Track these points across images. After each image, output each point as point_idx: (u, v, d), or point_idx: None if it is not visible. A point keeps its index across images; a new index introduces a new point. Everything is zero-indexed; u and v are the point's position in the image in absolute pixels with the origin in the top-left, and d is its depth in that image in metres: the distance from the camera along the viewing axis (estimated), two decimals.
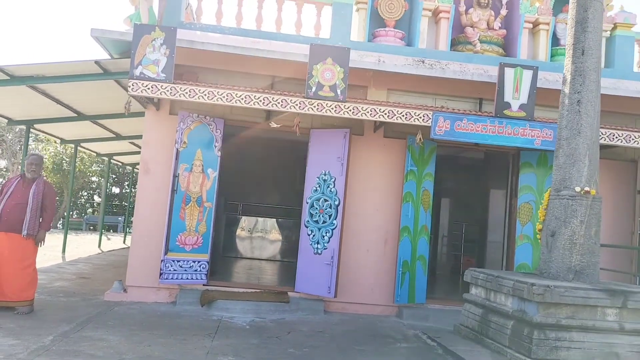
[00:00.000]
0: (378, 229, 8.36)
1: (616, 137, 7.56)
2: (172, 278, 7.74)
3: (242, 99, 7.19)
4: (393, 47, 8.60)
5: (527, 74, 7.44)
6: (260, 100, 7.20)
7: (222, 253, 12.36)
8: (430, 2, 8.73)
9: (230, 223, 13.52)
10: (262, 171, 14.36)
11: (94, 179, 30.88)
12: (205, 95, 7.13)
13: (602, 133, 7.43)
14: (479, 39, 8.87)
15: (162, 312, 7.17)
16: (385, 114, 7.34)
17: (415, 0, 8.91)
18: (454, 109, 8.06)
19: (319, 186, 8.13)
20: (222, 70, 8.19)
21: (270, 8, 9.13)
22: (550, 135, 7.49)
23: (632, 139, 7.55)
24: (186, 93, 7.07)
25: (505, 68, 7.49)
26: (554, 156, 6.50)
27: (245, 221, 13.78)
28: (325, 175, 8.12)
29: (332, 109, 7.28)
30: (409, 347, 6.35)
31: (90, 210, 31.10)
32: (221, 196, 9.62)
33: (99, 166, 29.06)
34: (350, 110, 7.31)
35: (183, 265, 7.82)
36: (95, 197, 32.01)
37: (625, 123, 8.52)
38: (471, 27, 8.92)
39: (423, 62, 8.26)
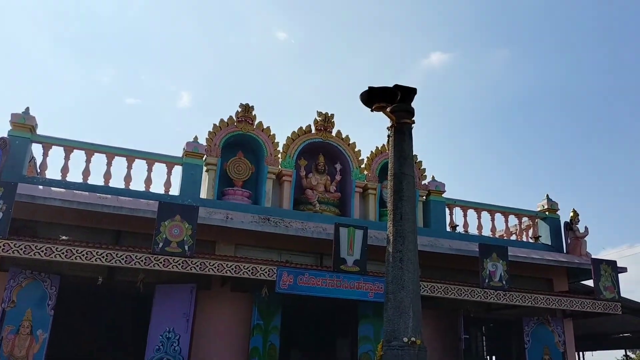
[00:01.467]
0: None
1: (436, 289, 8.53)
2: None
3: (83, 255, 7.03)
4: (240, 205, 9.17)
5: (359, 233, 8.32)
6: (103, 257, 7.10)
7: None
8: (274, 166, 9.64)
9: None
10: (104, 328, 13.27)
11: None
12: (42, 251, 6.87)
13: (424, 286, 8.37)
14: (317, 200, 9.83)
15: None
16: (232, 269, 7.61)
17: (262, 163, 9.78)
18: (297, 264, 8.57)
19: (162, 345, 7.85)
20: (65, 224, 8.00)
21: (119, 165, 9.43)
22: (381, 288, 8.23)
23: (449, 291, 8.58)
24: (21, 249, 6.75)
25: (340, 228, 8.32)
26: (383, 308, 7.15)
27: None
28: (169, 332, 7.91)
29: (179, 264, 7.38)
30: None
31: None
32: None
33: None
34: (197, 266, 7.46)
35: None
36: None
37: (443, 277, 9.66)
38: (311, 189, 9.91)
39: (268, 219, 8.87)
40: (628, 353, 17.79)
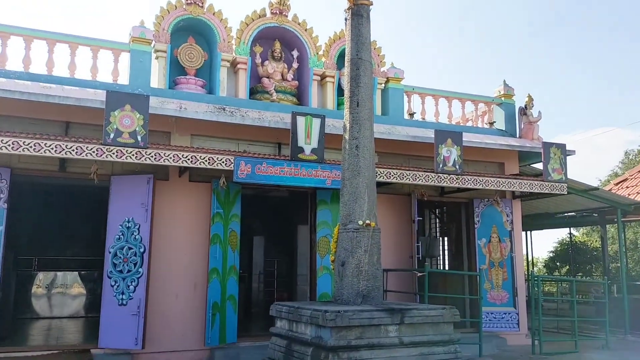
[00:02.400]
0: (187, 273, 8.39)
1: (392, 175, 8.72)
2: None
3: (31, 147, 6.79)
4: (194, 95, 8.90)
5: (317, 122, 8.27)
6: (53, 148, 6.88)
7: (15, 315, 11.13)
8: (228, 53, 9.25)
9: (24, 280, 12.26)
10: (61, 222, 13.34)
11: None
12: None
13: (380, 172, 8.53)
14: (274, 89, 9.61)
15: None
16: (189, 159, 7.53)
17: (214, 50, 9.37)
18: (255, 153, 8.55)
19: (122, 234, 7.94)
20: (9, 116, 7.64)
21: (63, 52, 8.76)
22: (339, 175, 8.36)
23: (404, 176, 8.79)
24: None
25: (297, 116, 8.23)
26: (340, 194, 7.31)
27: (41, 277, 12.60)
28: (128, 222, 7.96)
29: (133, 155, 7.24)
30: None
31: None
32: (10, 252, 8.79)
33: None
34: (152, 157, 7.34)
35: None
36: None
37: (399, 162, 9.86)
38: (267, 77, 9.64)
39: (224, 109, 8.68)
40: (572, 231, 19.04)
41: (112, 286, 7.81)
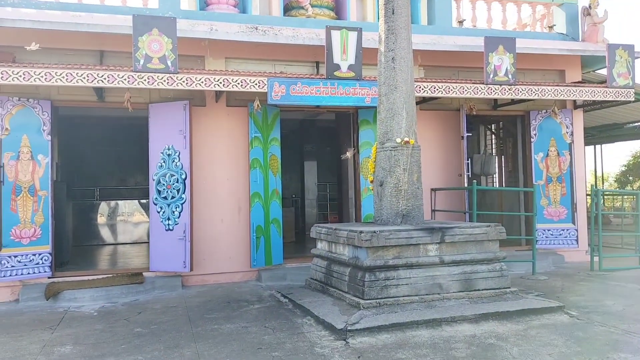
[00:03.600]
0: (230, 198, 8.43)
1: (437, 89, 8.18)
2: (10, 275, 7.26)
3: (63, 77, 6.77)
4: (226, 15, 8.56)
5: (353, 36, 7.76)
6: (84, 77, 6.84)
7: (80, 242, 11.78)
8: None
9: (87, 210, 12.87)
10: (118, 152, 13.77)
11: None
12: (20, 76, 6.62)
13: (423, 86, 8.03)
14: (310, 4, 9.09)
15: (1, 312, 6.73)
16: (220, 82, 7.31)
17: None
18: (291, 74, 8.23)
19: (164, 162, 7.98)
20: (44, 48, 7.62)
21: None
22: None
23: (451, 90, 8.23)
24: None
25: (332, 31, 7.75)
26: (376, 111, 6.94)
27: (104, 206, 13.18)
28: (169, 150, 7.98)
29: (164, 81, 7.11)
30: (261, 307, 6.57)
31: None
32: (63, 182, 9.13)
33: None
34: (183, 82, 7.18)
35: (22, 260, 7.36)
36: None
37: (448, 75, 9.25)
38: None
39: (256, 28, 8.30)
40: None
41: (159, 212, 7.97)
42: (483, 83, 8.42)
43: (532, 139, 9.88)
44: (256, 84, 7.46)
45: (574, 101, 10.09)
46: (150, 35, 7.06)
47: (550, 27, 10.47)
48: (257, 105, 7.77)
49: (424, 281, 5.89)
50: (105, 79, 6.90)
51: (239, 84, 7.39)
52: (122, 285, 7.54)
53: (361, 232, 5.82)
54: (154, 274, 7.97)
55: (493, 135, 12.53)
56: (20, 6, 7.69)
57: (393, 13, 6.62)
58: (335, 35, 7.76)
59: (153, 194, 7.99)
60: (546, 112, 9.78)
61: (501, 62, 8.50)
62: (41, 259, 7.51)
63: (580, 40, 10.27)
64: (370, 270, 5.77)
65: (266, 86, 7.48)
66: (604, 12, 10.22)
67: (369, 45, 8.14)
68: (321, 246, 7.05)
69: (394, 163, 6.55)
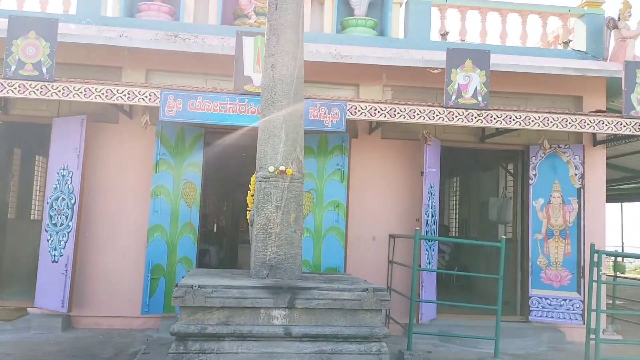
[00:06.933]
0: (136, 229, 7.26)
1: (378, 112, 6.58)
2: None
3: None
4: (153, 22, 7.63)
5: None
6: None
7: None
8: None
9: None
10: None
11: None
12: None
13: (360, 108, 6.48)
14: (254, 11, 7.92)
15: None
16: (102, 94, 6.29)
17: None
18: (191, 87, 6.90)
19: (59, 183, 7.05)
20: None
21: None
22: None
23: (398, 113, 6.59)
24: None
25: (244, 37, 6.50)
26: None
27: None
28: (64, 170, 7.05)
29: (37, 90, 6.21)
30: None
31: None
32: None
33: None
34: (59, 92, 6.24)
35: None
36: None
37: (422, 98, 7.55)
38: None
39: (176, 36, 7.23)
40: None
41: (48, 240, 7.00)
42: (441, 106, 6.70)
43: (530, 181, 7.85)
44: (146, 97, 6.34)
45: (594, 136, 7.95)
46: (26, 38, 6.22)
47: (565, 43, 8.44)
48: (146, 121, 6.63)
49: (259, 359, 4.31)
50: None
51: (124, 95, 6.31)
52: None
53: (191, 286, 4.40)
54: (39, 310, 6.96)
55: (507, 174, 10.42)
56: None
57: (276, 9, 5.23)
58: (248, 42, 6.50)
59: (45, 219, 7.05)
60: (551, 147, 7.73)
61: (468, 80, 6.74)
62: None
63: (603, 59, 8.14)
64: (180, 339, 4.30)
65: (159, 99, 6.34)
66: (637, 25, 8.07)
67: (319, 59, 6.87)
68: None
69: (264, 198, 5.06)
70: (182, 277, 5.01)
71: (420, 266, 7.16)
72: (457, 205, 13.21)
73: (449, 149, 8.04)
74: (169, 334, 4.36)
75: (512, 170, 10.11)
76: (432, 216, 7.50)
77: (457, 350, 6.83)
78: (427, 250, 7.34)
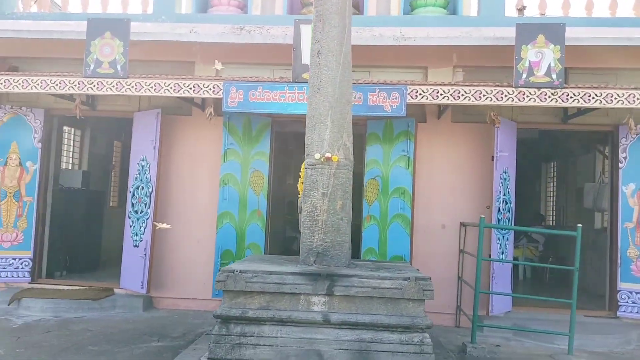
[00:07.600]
0: (208, 217, 7.59)
1: (440, 94, 6.32)
2: None
3: (20, 84, 6.79)
4: (223, 17, 7.80)
5: None
6: (38, 84, 6.76)
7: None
8: None
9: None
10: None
11: None
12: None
13: (422, 91, 6.27)
14: None
15: None
16: (171, 87, 6.63)
17: None
18: (254, 77, 7.02)
19: (139, 173, 7.56)
20: (39, 58, 7.86)
21: None
22: (360, 98, 6.44)
23: (462, 94, 6.28)
24: None
25: (301, 25, 6.52)
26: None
27: None
28: (143, 161, 7.54)
29: (113, 87, 6.69)
30: (165, 345, 5.65)
31: None
32: (65, 190, 9.08)
33: None
34: (132, 87, 6.67)
35: (1, 263, 7.55)
36: None
37: (497, 78, 7.14)
38: None
39: (242, 28, 7.41)
40: None
41: (130, 227, 7.54)
42: (511, 86, 6.28)
43: (620, 164, 7.16)
44: (210, 89, 6.59)
45: None
46: (103, 38, 6.72)
47: None
48: (210, 113, 6.87)
49: (297, 345, 4.35)
50: (57, 85, 6.74)
51: (190, 89, 6.61)
52: (84, 299, 7.24)
53: (233, 271, 4.55)
54: (124, 291, 7.55)
55: (604, 158, 9.55)
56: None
57: None
58: (306, 30, 6.49)
59: (129, 206, 7.60)
60: (637, 127, 6.98)
61: (541, 56, 6.26)
62: (21, 264, 7.63)
63: None
64: (223, 321, 4.46)
65: (222, 91, 6.56)
66: None
67: (382, 43, 6.81)
68: None
69: (311, 185, 5.08)
70: (232, 263, 5.17)
71: (490, 256, 6.83)
72: (555, 193, 12.35)
73: (530, 132, 7.54)
74: (212, 316, 4.53)
75: (607, 154, 9.26)
76: (506, 203, 7.08)
77: (530, 345, 6.43)
78: (499, 239, 6.96)
